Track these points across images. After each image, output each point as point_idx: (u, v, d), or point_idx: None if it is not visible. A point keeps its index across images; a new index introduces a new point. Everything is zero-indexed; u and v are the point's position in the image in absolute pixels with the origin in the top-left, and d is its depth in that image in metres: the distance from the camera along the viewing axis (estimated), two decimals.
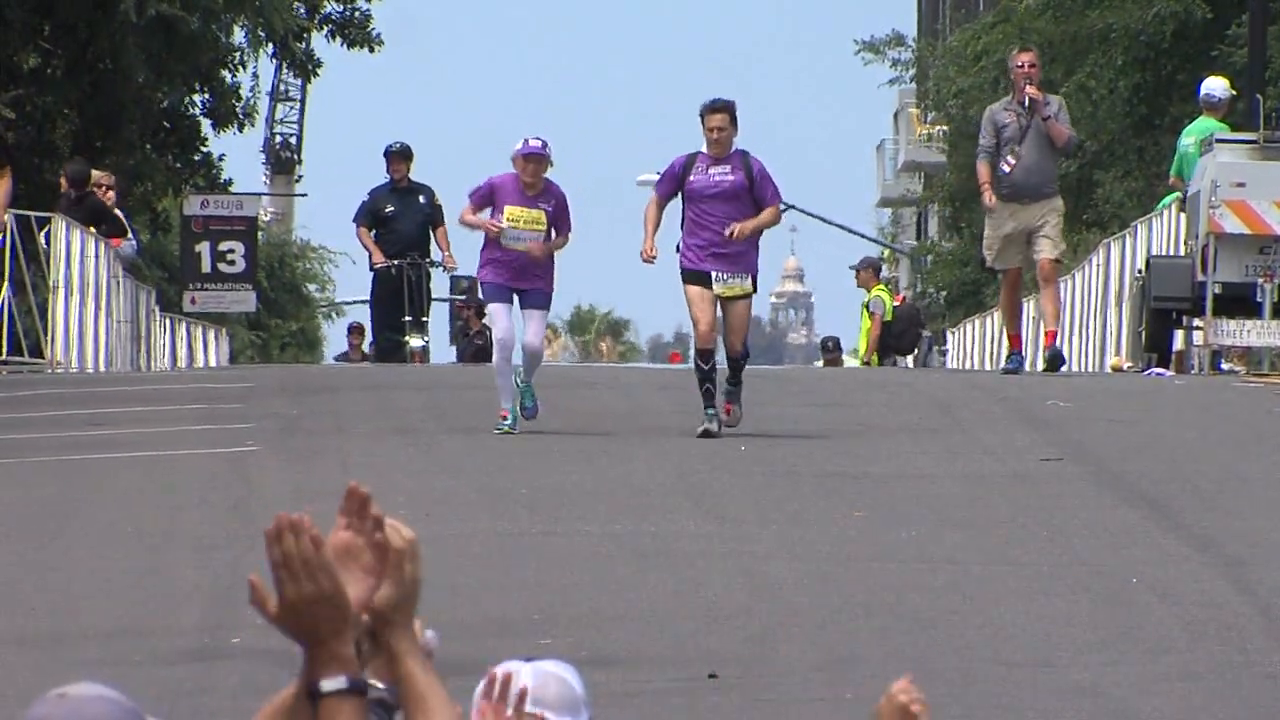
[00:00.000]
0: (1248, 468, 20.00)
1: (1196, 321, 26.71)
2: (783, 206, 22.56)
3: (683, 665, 13.34)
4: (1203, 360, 27.09)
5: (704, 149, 19.24)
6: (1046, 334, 24.79)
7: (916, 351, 41.00)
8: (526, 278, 19.50)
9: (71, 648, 13.84)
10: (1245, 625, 14.26)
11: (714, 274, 19.17)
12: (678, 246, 19.40)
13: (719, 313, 19.48)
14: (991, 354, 43.59)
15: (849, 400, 23.75)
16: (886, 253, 65.14)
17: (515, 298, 19.67)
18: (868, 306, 37.72)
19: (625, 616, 14.18)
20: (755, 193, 19.08)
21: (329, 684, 4.45)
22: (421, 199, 29.24)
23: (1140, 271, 29.00)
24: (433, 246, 29.43)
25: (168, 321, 38.52)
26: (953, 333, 50.56)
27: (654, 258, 19.57)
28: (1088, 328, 34.04)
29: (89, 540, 17.40)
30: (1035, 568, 16.05)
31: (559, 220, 19.28)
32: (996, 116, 23.80)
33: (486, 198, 19.53)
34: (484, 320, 35.42)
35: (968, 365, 45.06)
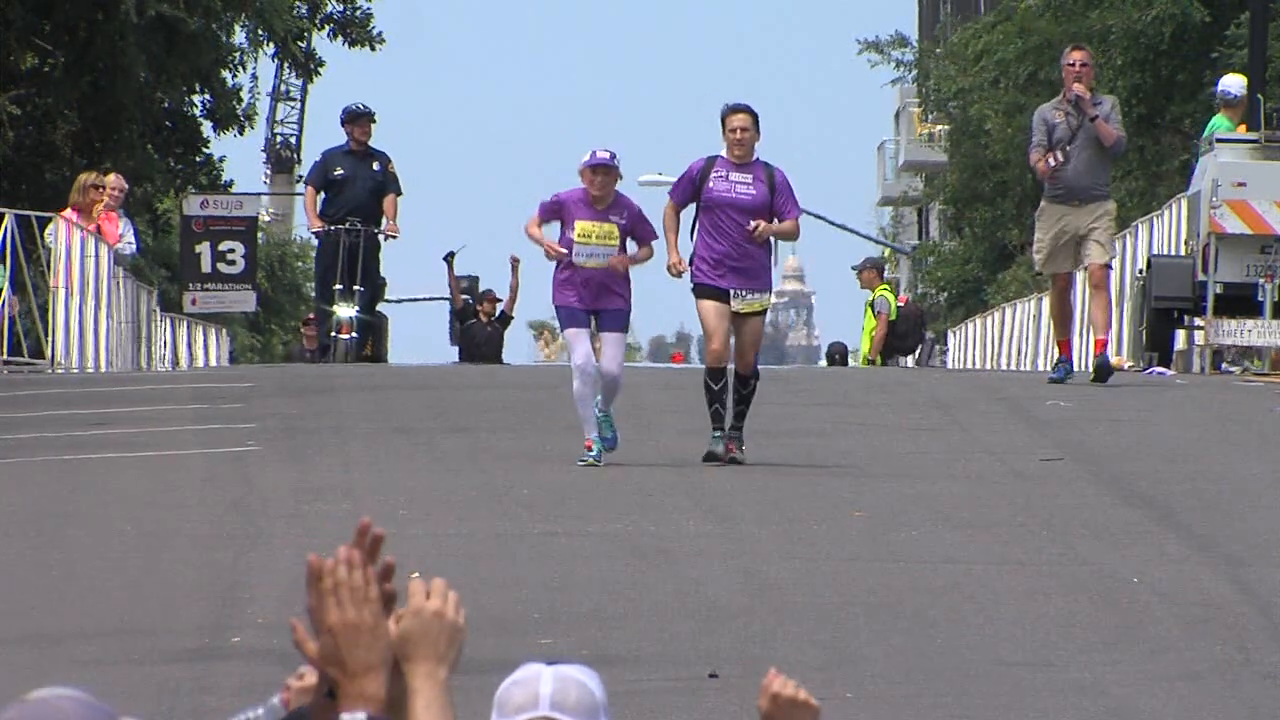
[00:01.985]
0: (1249, 467, 20.12)
1: (1198, 321, 26.78)
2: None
3: (683, 664, 13.37)
4: (1204, 360, 27.16)
5: (723, 153, 18.64)
6: (1096, 342, 23.95)
7: (918, 352, 41.12)
8: (604, 297, 18.46)
9: (72, 647, 13.90)
10: (1245, 625, 14.33)
11: (732, 291, 18.54)
12: (691, 258, 18.60)
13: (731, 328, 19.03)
14: (992, 354, 43.64)
15: (850, 400, 23.77)
16: (887, 252, 65.28)
17: (592, 320, 18.63)
18: (873, 306, 37.65)
19: (625, 616, 14.23)
20: (776, 205, 18.38)
21: (347, 719, 4.50)
22: (375, 165, 28.25)
23: (1141, 271, 29.00)
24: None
25: (168, 322, 38.62)
26: (954, 333, 50.74)
27: (683, 270, 18.60)
28: (1088, 328, 33.91)
29: (89, 540, 17.63)
30: (1035, 567, 16.17)
31: (637, 231, 18.26)
32: (1046, 116, 23.06)
33: (554, 212, 18.54)
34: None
35: (969, 365, 45.30)
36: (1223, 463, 20.39)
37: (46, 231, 30.25)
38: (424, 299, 62.25)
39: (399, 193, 28.62)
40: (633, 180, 19.46)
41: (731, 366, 19.30)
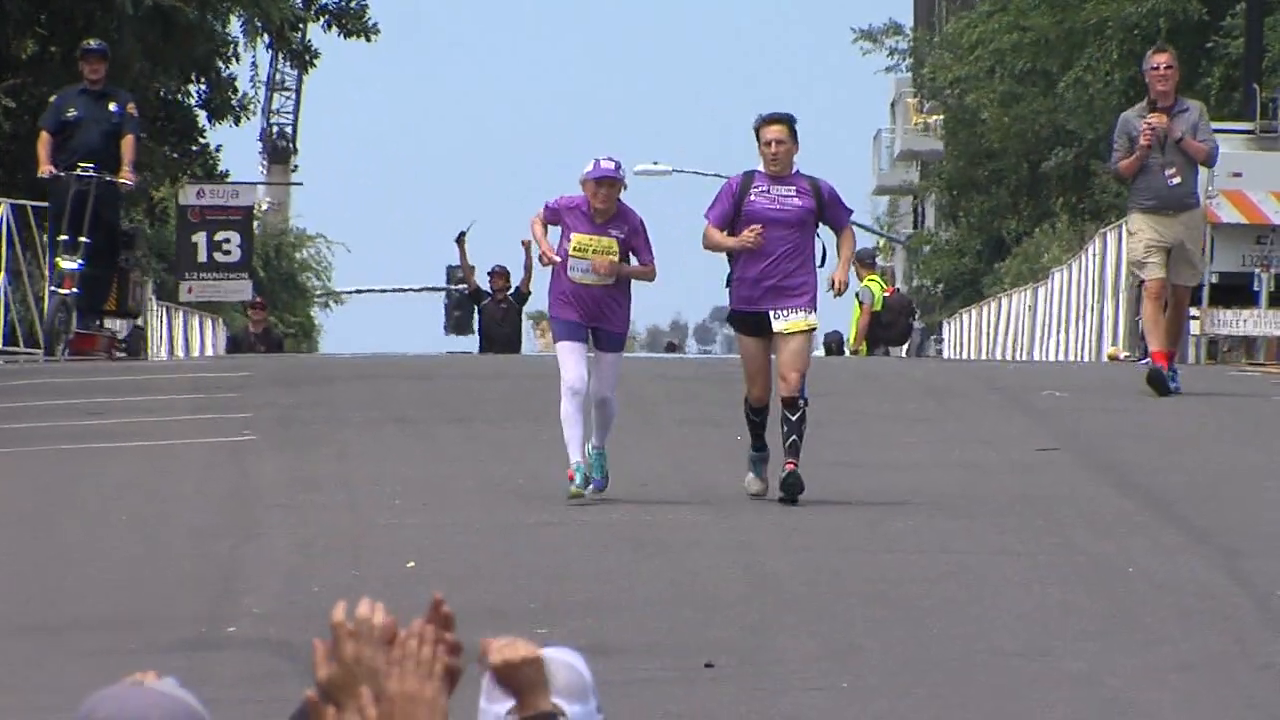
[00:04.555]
0: (1246, 457, 20.02)
1: (1193, 311, 26.12)
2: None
3: (679, 654, 13.47)
4: (1199, 350, 27.17)
5: (760, 167, 17.43)
6: (1156, 354, 21.96)
7: (909, 342, 41.12)
8: (602, 315, 17.47)
9: (70, 638, 13.99)
10: (1241, 616, 14.41)
11: (772, 313, 17.23)
12: (728, 279, 17.28)
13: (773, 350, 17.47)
14: (988, 345, 43.71)
15: (843, 389, 23.09)
16: (882, 242, 65.15)
17: (589, 335, 17.54)
18: (857, 296, 37.78)
19: (622, 605, 14.37)
20: (827, 217, 17.10)
21: None
22: (113, 106, 26.21)
23: None
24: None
25: (165, 311, 38.67)
26: (949, 324, 50.82)
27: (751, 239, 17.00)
28: (1085, 318, 34.17)
29: (85, 530, 17.63)
30: (1031, 557, 16.19)
31: (636, 248, 17.16)
32: (1131, 125, 21.67)
33: (555, 216, 17.57)
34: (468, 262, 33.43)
35: (965, 356, 45.32)
36: (1220, 453, 20.28)
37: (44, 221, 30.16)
38: (417, 289, 62.50)
39: (139, 134, 26.82)
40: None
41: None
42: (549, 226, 17.59)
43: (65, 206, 25.97)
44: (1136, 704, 13.00)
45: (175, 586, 16.08)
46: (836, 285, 17.42)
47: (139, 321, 28.48)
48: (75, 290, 26.24)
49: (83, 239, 25.70)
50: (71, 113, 26.32)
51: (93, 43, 27.52)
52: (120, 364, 29.02)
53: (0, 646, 14.36)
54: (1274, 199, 26.22)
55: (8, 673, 13.33)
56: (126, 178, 25.73)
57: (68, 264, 25.79)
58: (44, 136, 25.97)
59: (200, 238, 37.73)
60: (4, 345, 28.60)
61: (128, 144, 25.86)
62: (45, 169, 25.82)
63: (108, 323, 29.04)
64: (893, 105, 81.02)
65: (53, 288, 26.69)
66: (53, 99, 27.64)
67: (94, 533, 17.68)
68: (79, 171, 25.72)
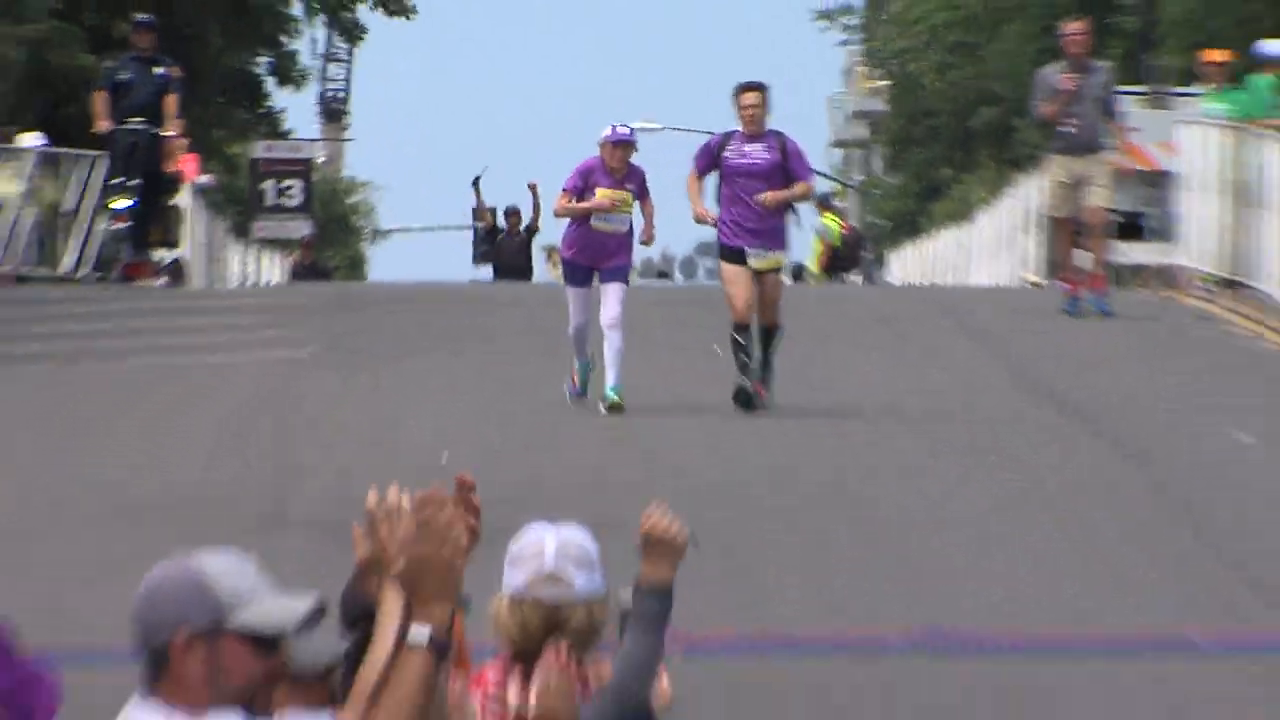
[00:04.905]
0: (1155, 372, 19.46)
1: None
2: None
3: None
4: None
5: (739, 127, 17.27)
6: (1095, 278, 21.89)
7: (861, 270, 41.47)
8: (607, 255, 17.45)
9: (155, 519, 13.56)
10: (1137, 497, 14.27)
11: (748, 250, 17.23)
12: (715, 222, 17.50)
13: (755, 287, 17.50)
14: (925, 272, 43.73)
15: (808, 311, 21.70)
16: (838, 187, 65.30)
17: (594, 276, 17.58)
18: (818, 231, 38.19)
19: (620, 491, 13.53)
20: (789, 168, 17.15)
21: (413, 635, 4.26)
22: (159, 70, 26.10)
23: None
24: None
25: (239, 246, 38.78)
26: (894, 255, 50.77)
27: (709, 220, 17.32)
28: (1008, 249, 33.92)
29: (160, 430, 17.14)
30: (968, 455, 15.71)
31: (641, 196, 17.29)
32: (1051, 78, 21.42)
33: (581, 184, 17.35)
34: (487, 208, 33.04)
35: (907, 282, 45.45)
36: (1133, 369, 19.78)
37: None
38: (449, 227, 62.75)
39: (180, 93, 26.08)
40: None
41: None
42: (578, 197, 17.29)
43: (119, 155, 25.69)
44: (1047, 555, 12.84)
45: (241, 480, 15.67)
46: (768, 199, 16.87)
47: (181, 251, 28.33)
48: (128, 224, 26.03)
49: (133, 182, 25.46)
50: (124, 75, 25.93)
51: (142, 16, 27.26)
52: (199, 291, 28.75)
53: (105, 524, 14.14)
54: (1161, 149, 26.00)
55: (110, 552, 12.93)
56: (171, 130, 25.68)
57: (121, 203, 25.59)
58: (101, 95, 25.57)
59: (268, 185, 38.08)
60: (74, 270, 27.56)
61: (171, 102, 25.53)
62: (102, 124, 25.53)
63: (154, 254, 27.35)
64: (846, 73, 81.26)
65: (108, 223, 26.44)
66: (106, 64, 27.46)
67: (168, 433, 17.40)
68: (130, 125, 25.47)
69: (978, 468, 16.01)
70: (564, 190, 17.44)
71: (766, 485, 15.52)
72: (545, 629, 5.56)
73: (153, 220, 26.44)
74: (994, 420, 17.68)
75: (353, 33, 47.28)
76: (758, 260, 16.84)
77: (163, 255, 27.55)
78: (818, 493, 15.17)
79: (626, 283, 18.05)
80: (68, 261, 27.67)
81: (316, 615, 4.42)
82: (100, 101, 25.38)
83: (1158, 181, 25.22)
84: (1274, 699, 10.81)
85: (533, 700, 5.59)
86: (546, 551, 5.60)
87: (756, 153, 16.85)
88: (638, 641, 5.56)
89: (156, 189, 26.26)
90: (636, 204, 17.58)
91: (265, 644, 4.31)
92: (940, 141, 50.52)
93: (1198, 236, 24.34)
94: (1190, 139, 24.61)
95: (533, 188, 31.50)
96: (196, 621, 4.20)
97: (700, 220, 17.63)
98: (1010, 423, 17.65)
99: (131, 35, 27.31)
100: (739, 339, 16.92)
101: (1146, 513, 14.85)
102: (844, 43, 62.52)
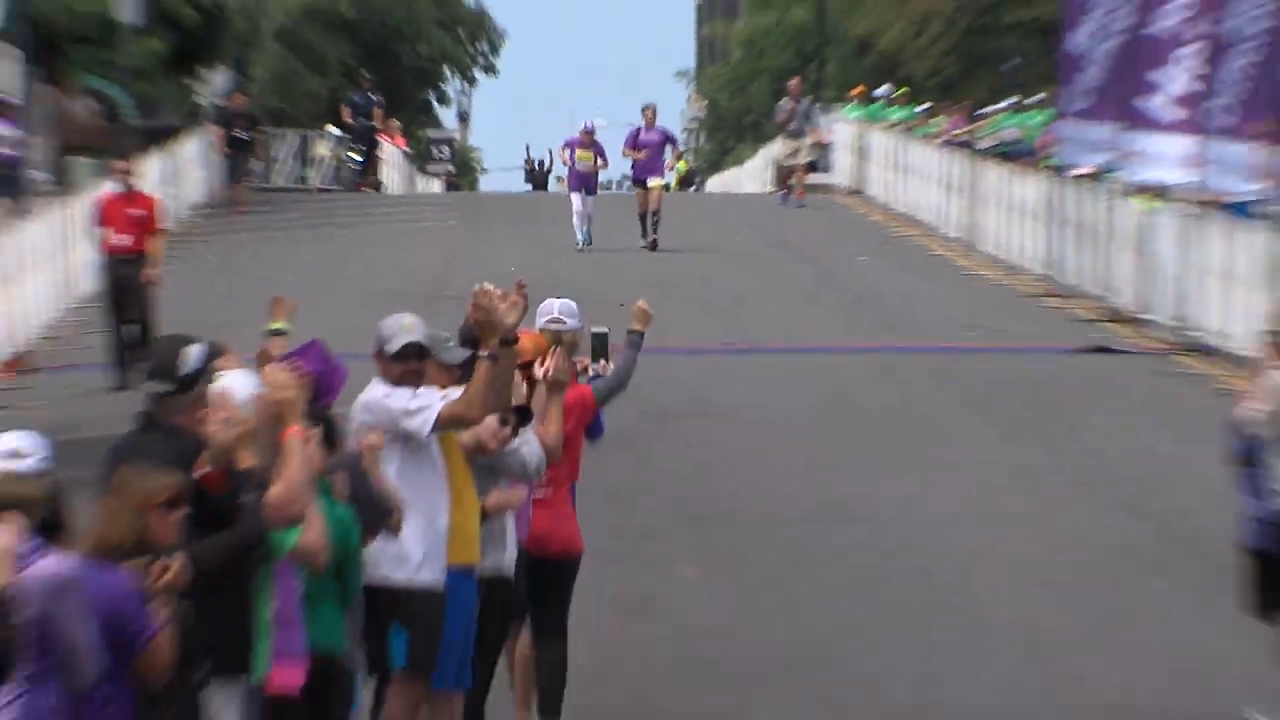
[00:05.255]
0: (821, 230, 29.74)
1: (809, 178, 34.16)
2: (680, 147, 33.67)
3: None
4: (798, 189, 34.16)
5: (643, 124, 27.54)
6: (798, 191, 32.53)
7: (696, 188, 51.58)
8: (587, 183, 26.96)
9: (359, 298, 20.03)
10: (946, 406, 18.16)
11: (648, 179, 26.81)
12: (632, 165, 27.52)
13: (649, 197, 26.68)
14: (726, 187, 51.80)
15: (673, 209, 28.94)
16: (685, 148, 77.40)
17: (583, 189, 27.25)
18: (676, 169, 42.22)
19: (588, 283, 20.30)
20: (669, 140, 27.59)
21: (483, 353, 7.62)
22: (373, 95, 37.93)
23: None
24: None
25: (421, 177, 47.84)
26: (710, 180, 58.28)
27: (636, 157, 27.16)
28: (760, 176, 42.45)
29: (373, 259, 25.46)
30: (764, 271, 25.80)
31: (601, 153, 27.11)
32: (781, 107, 32.60)
33: (570, 146, 27.30)
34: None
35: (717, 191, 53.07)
36: (811, 225, 29.82)
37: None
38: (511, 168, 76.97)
39: (382, 108, 38.36)
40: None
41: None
42: (569, 149, 27.30)
43: (355, 133, 36.93)
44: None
45: (414, 279, 22.88)
46: (669, 164, 28.40)
47: (384, 180, 39.03)
48: (360, 163, 37.21)
49: (361, 145, 37.05)
50: (355, 97, 37.55)
51: (366, 74, 40.78)
52: (393, 196, 38.24)
53: (346, 302, 19.68)
54: (828, 132, 35.20)
55: (350, 315, 16.73)
56: (379, 123, 37.22)
57: (356, 155, 37.28)
58: (344, 108, 37.31)
59: (434, 150, 49.28)
60: (328, 184, 37.94)
61: (377, 112, 37.12)
62: (345, 118, 36.68)
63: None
64: (688, 98, 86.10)
65: (350, 164, 37.16)
66: (349, 93, 39.04)
67: (381, 260, 25.40)
68: (361, 121, 36.45)
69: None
70: (625, 144, 27.41)
71: (657, 281, 22.43)
72: (552, 342, 8.74)
73: (369, 164, 37.47)
74: (754, 256, 26.66)
75: (471, 79, 58.24)
76: (651, 183, 26.49)
77: (375, 180, 38.06)
78: (676, 285, 22.79)
79: (595, 194, 27.32)
80: (318, 179, 37.90)
81: (447, 341, 7.92)
82: (345, 111, 36.84)
83: (827, 147, 35.40)
84: None
85: (550, 371, 8.65)
86: (553, 308, 8.99)
87: (652, 136, 27.08)
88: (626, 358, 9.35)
89: (372, 148, 37.47)
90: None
91: (418, 355, 7.74)
92: (731, 129, 62.48)
93: (840, 172, 35.18)
94: (840, 128, 35.67)
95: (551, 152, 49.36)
96: (380, 347, 7.71)
97: (631, 158, 26.96)
98: (767, 262, 26.31)
99: (359, 79, 39.64)
100: (641, 218, 26.45)
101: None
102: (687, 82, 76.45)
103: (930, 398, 17.81)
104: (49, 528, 6.42)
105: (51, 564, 6.08)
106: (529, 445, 8.33)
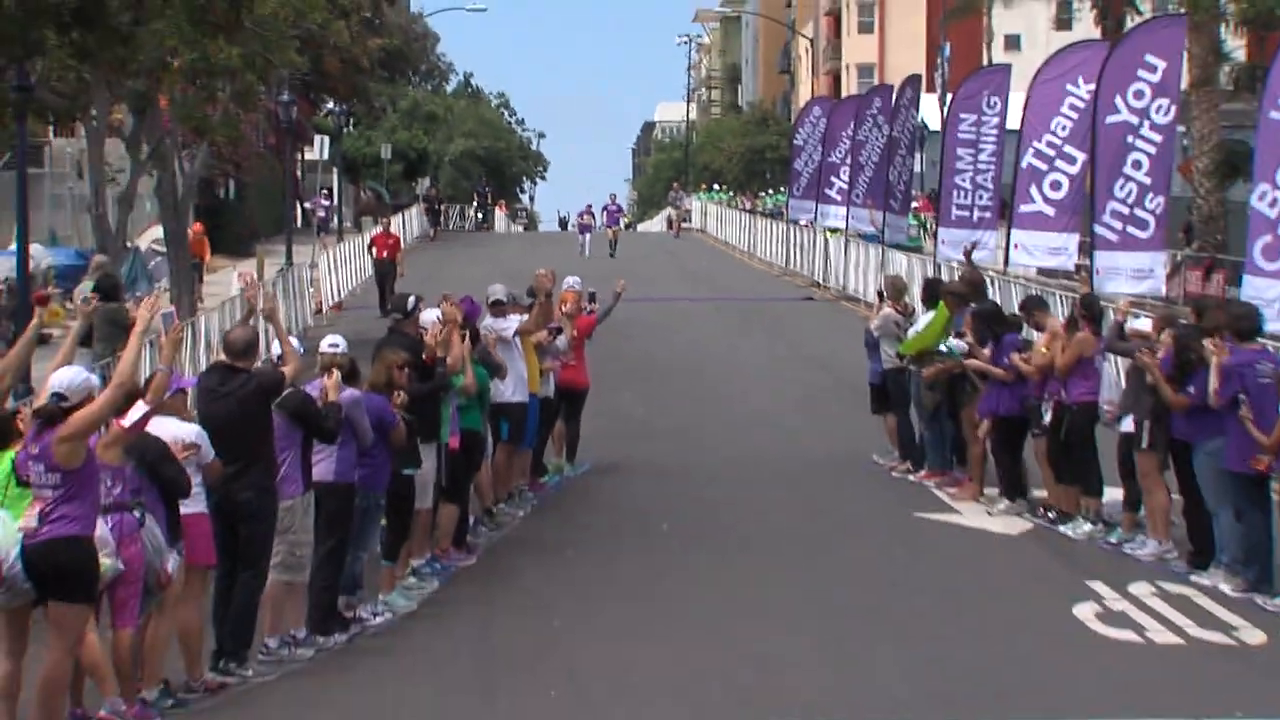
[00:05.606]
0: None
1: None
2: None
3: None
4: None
5: (608, 202, 42.38)
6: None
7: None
8: (614, 221, 40.22)
9: (481, 279, 21.29)
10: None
11: (613, 226, 41.40)
12: (605, 217, 40.71)
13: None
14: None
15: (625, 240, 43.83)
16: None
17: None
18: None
19: (595, 274, 21.62)
20: (621, 211, 36.25)
21: (539, 299, 11.99)
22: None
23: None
24: None
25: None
26: (638, 226, 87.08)
27: (607, 218, 40.40)
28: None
29: (485, 262, 37.71)
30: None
31: (622, 210, 35.50)
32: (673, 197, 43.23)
33: (606, 208, 41.52)
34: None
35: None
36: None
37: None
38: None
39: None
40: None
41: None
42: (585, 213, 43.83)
43: (481, 205, 56.94)
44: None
45: (508, 268, 31.43)
46: (623, 220, 37.59)
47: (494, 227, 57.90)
48: (482, 219, 57.42)
49: (483, 211, 54.53)
50: (481, 188, 52.69)
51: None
52: (496, 233, 57.50)
53: (470, 273, 27.70)
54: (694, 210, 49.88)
55: (467, 277, 21.99)
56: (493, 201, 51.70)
57: (481, 215, 56.21)
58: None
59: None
60: (472, 229, 59.74)
61: (490, 195, 51.46)
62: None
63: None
64: (629, 191, 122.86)
65: (479, 220, 54.88)
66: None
67: (487, 260, 37.95)
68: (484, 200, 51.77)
69: None
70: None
71: (616, 269, 32.95)
72: (570, 300, 13.70)
73: (488, 220, 59.62)
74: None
75: (535, 181, 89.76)
76: (614, 227, 43.20)
77: (490, 226, 60.43)
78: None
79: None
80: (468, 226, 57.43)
81: (517, 296, 12.54)
82: (475, 196, 52.48)
83: (689, 211, 55.01)
84: None
85: (569, 308, 13.22)
86: (570, 281, 14.89)
87: (615, 207, 46.58)
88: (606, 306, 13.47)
89: (490, 212, 57.68)
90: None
91: (501, 303, 11.88)
92: (647, 204, 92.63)
93: (695, 222, 55.45)
94: (695, 203, 55.85)
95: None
96: (489, 299, 11.64)
97: (604, 219, 41.42)
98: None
99: (484, 180, 56.19)
100: (609, 243, 41.95)
101: None
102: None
103: (727, 320, 28.51)
104: (349, 377, 10.23)
105: (350, 393, 9.89)
106: (559, 341, 13.45)
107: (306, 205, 49.84)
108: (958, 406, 14.59)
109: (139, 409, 8.27)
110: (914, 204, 31.19)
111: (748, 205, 57.91)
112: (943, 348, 15.02)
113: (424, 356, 11.29)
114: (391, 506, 11.01)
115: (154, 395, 8.21)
